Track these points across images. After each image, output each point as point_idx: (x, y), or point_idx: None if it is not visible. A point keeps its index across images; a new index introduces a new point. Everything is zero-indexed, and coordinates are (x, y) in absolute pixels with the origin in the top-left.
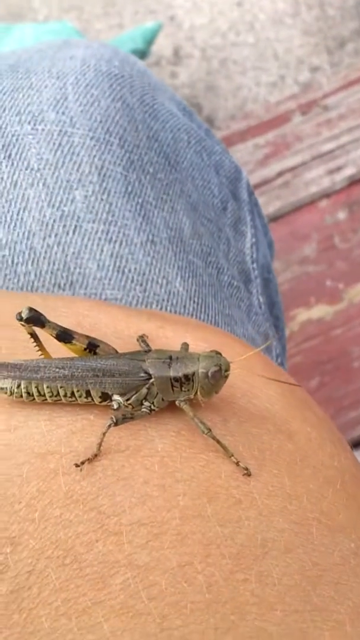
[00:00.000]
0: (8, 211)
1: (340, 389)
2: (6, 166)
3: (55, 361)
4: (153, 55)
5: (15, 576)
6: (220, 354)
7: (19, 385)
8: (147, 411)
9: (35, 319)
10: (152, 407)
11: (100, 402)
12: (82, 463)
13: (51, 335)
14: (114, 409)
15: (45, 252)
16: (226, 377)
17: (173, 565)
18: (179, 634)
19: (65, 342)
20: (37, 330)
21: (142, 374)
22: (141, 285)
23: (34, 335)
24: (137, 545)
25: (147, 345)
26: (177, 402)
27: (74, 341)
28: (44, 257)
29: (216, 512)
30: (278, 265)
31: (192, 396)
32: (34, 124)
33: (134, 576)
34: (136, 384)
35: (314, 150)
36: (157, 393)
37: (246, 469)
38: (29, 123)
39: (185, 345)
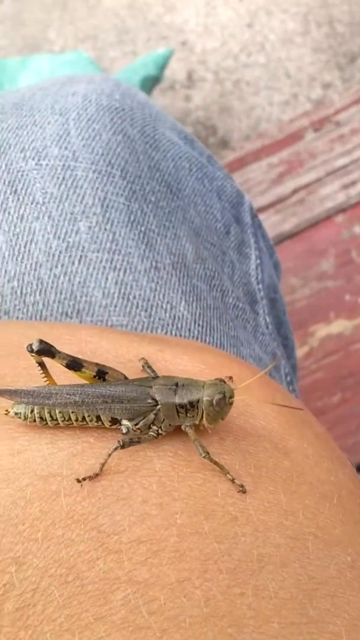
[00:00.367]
0: (16, 244)
1: None
2: (12, 201)
3: (66, 388)
4: (167, 79)
5: (20, 594)
6: (224, 381)
7: (32, 411)
8: (155, 435)
9: (45, 351)
10: (160, 431)
11: (110, 426)
12: (84, 479)
13: (61, 364)
14: (123, 433)
15: (53, 282)
16: (231, 404)
17: (172, 580)
18: None
19: (75, 371)
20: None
21: (150, 400)
22: (146, 310)
23: (42, 364)
24: (136, 562)
25: (153, 370)
26: (182, 427)
27: (83, 369)
28: (51, 287)
29: (213, 529)
30: (296, 282)
31: (197, 422)
32: (38, 160)
33: (134, 592)
34: (144, 410)
35: (328, 166)
36: (164, 419)
37: (241, 486)
38: (33, 159)
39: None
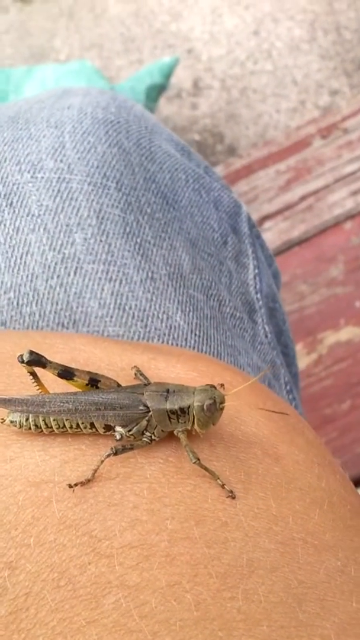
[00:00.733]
0: (12, 256)
1: None
2: (8, 213)
3: (59, 396)
4: (173, 87)
5: (13, 598)
6: (215, 387)
7: (27, 419)
8: (148, 441)
9: (36, 361)
10: (153, 437)
11: (105, 432)
12: (75, 485)
13: (53, 374)
14: (117, 440)
15: (49, 293)
16: (221, 409)
17: (162, 585)
18: None
19: (68, 379)
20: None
21: (142, 407)
22: (142, 321)
23: (33, 374)
24: (127, 567)
25: (146, 378)
26: (175, 432)
27: (75, 378)
28: (48, 298)
29: (203, 534)
30: (305, 289)
31: (189, 427)
32: (34, 173)
33: (126, 596)
34: (136, 417)
35: (336, 172)
36: (156, 425)
37: (231, 492)
38: (29, 172)
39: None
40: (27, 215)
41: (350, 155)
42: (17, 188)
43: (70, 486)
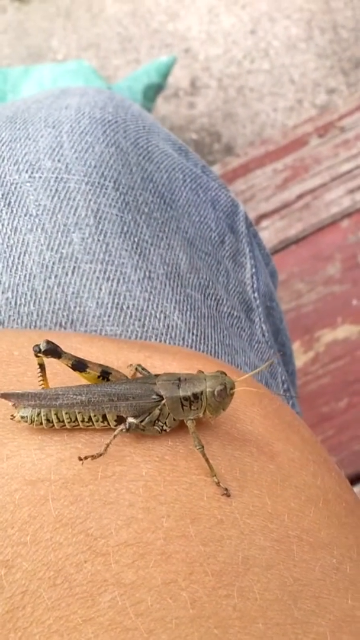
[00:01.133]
0: (9, 255)
1: None
2: (6, 213)
3: (72, 388)
4: (171, 87)
5: (10, 597)
6: (225, 373)
7: (38, 414)
8: (159, 430)
9: (52, 351)
10: (164, 427)
11: (116, 425)
12: (86, 458)
13: (67, 365)
14: (126, 430)
15: (46, 292)
16: (232, 395)
17: (158, 582)
18: None
19: (80, 371)
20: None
21: (154, 396)
22: (140, 320)
23: (42, 366)
24: (123, 565)
25: (148, 372)
26: (185, 420)
27: (88, 370)
28: (45, 298)
29: (199, 532)
30: (302, 287)
31: (201, 415)
32: (32, 172)
33: (122, 594)
34: (149, 406)
35: (333, 171)
36: (169, 413)
37: (226, 489)
38: (27, 172)
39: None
40: (25, 215)
41: (347, 153)
42: (15, 188)
43: (80, 459)
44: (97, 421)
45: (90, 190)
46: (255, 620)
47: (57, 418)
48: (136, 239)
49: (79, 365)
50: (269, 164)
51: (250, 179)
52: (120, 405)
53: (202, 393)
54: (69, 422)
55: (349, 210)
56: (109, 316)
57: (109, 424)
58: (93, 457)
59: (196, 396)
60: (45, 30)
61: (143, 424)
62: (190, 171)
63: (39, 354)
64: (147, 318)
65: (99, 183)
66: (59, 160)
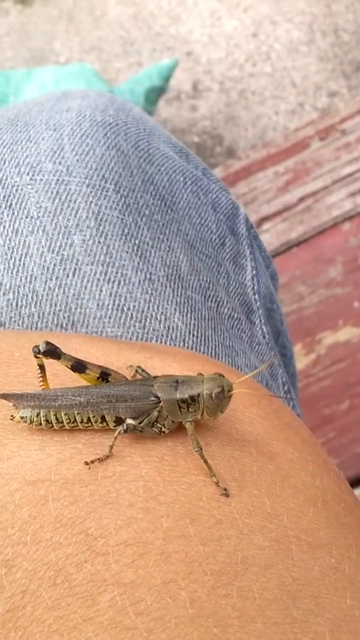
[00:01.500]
0: (11, 257)
1: None
2: (7, 215)
3: (71, 390)
4: (173, 90)
5: (10, 596)
6: (223, 376)
7: (38, 414)
8: (157, 432)
9: (51, 352)
10: (163, 428)
11: (115, 426)
12: (92, 462)
13: (66, 366)
14: (124, 431)
15: (47, 294)
16: (230, 397)
17: (158, 582)
18: None
19: (80, 373)
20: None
21: (152, 398)
22: (140, 322)
23: (42, 368)
24: (123, 565)
25: (148, 374)
26: (183, 422)
27: (87, 371)
28: (46, 299)
29: (198, 532)
30: (304, 289)
31: (199, 416)
32: (33, 175)
33: (121, 593)
34: (147, 408)
35: (334, 174)
36: (167, 415)
37: (225, 490)
38: (28, 174)
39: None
40: (26, 217)
41: (349, 156)
42: (16, 190)
43: (86, 463)
44: (96, 422)
45: (91, 192)
46: (254, 620)
47: (56, 419)
48: (137, 241)
49: (78, 367)
50: (270, 166)
51: (251, 182)
52: (118, 407)
53: (199, 395)
54: (68, 423)
55: (351, 213)
56: (110, 317)
57: (107, 425)
58: (100, 459)
59: (193, 398)
60: (47, 33)
61: (142, 425)
62: (190, 174)
63: (38, 355)
64: (148, 319)
65: (99, 185)
66: (60, 163)
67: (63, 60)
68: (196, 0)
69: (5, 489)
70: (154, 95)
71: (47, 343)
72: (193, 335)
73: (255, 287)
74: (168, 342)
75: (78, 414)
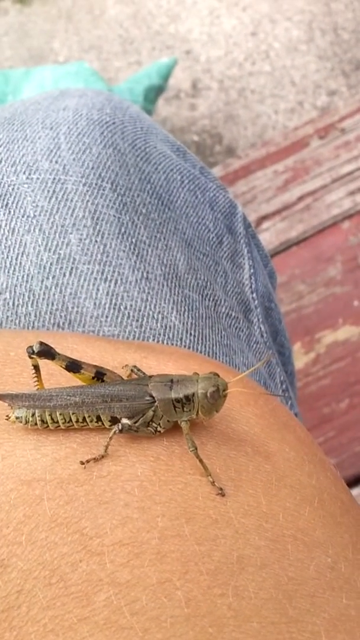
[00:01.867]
0: (7, 256)
1: None
2: (4, 214)
3: (66, 390)
4: (172, 88)
5: (5, 596)
6: (218, 375)
7: (33, 414)
8: (153, 431)
9: (46, 352)
10: (159, 428)
11: (110, 425)
12: (87, 462)
13: (61, 366)
14: (119, 431)
15: (44, 293)
16: (225, 396)
17: (153, 582)
18: None
19: (75, 373)
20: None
21: (147, 398)
22: (137, 321)
23: (37, 368)
24: (118, 564)
25: (144, 373)
26: (179, 422)
27: (82, 371)
28: (43, 299)
29: (194, 532)
30: (304, 288)
31: (194, 416)
32: (29, 174)
33: (117, 593)
34: (142, 407)
35: (334, 173)
36: (162, 415)
37: (221, 489)
38: (24, 173)
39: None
40: (23, 216)
41: (348, 155)
42: (13, 189)
43: (82, 463)
44: (91, 422)
45: (87, 191)
46: (250, 619)
47: (52, 419)
48: (134, 240)
49: (73, 367)
50: (269, 165)
51: (251, 181)
52: (114, 407)
53: (194, 395)
54: (63, 423)
55: (350, 212)
56: (107, 317)
57: (103, 424)
58: (95, 459)
59: (188, 398)
60: (46, 32)
61: (137, 425)
62: (188, 172)
63: (32, 356)
64: (145, 319)
65: (96, 184)
66: (56, 162)
67: (62, 60)
68: None
69: (0, 488)
70: (153, 94)
71: (41, 343)
72: (190, 334)
73: (253, 286)
74: (165, 341)
75: (73, 413)
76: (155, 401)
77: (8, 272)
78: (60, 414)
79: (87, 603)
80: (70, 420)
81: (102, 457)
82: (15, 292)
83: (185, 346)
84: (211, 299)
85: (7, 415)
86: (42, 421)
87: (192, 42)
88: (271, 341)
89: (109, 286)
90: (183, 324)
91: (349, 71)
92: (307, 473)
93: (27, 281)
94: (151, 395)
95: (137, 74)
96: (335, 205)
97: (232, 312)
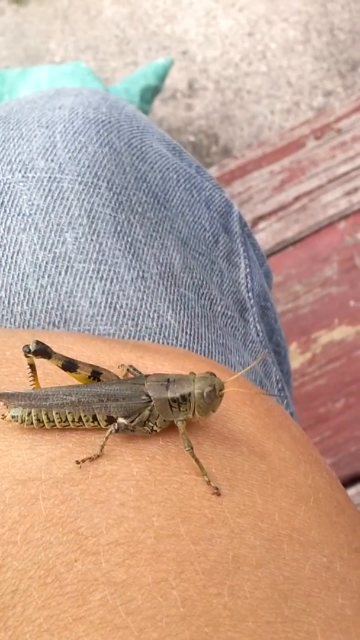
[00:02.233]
0: (3, 255)
1: None
2: None
3: (62, 389)
4: (168, 89)
5: (0, 596)
6: (214, 374)
7: (29, 414)
8: (149, 431)
9: (42, 351)
10: (155, 427)
11: (106, 425)
12: (83, 461)
13: (57, 365)
14: (115, 431)
15: (40, 292)
16: (221, 396)
17: (149, 581)
18: None
19: (71, 372)
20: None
21: (144, 397)
22: (133, 319)
23: (33, 367)
24: (114, 564)
25: (140, 373)
26: (175, 421)
27: (78, 370)
28: (39, 297)
29: (189, 531)
30: (300, 288)
31: (190, 415)
32: (25, 172)
33: (112, 592)
34: (138, 407)
35: (330, 173)
36: (158, 414)
37: (216, 488)
38: (20, 171)
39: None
40: (18, 215)
41: (344, 155)
42: (8, 187)
43: (77, 462)
44: (87, 421)
45: (83, 190)
46: (246, 619)
47: (48, 418)
48: (129, 239)
49: (69, 366)
50: (266, 166)
51: (247, 181)
52: (110, 406)
53: (190, 394)
54: (59, 422)
55: (346, 212)
56: (102, 315)
57: (99, 424)
58: (91, 459)
59: (184, 398)
60: (43, 32)
61: (133, 424)
62: (184, 171)
63: (28, 355)
64: (141, 317)
65: (92, 183)
66: (52, 160)
67: (58, 60)
68: None
69: None
70: (150, 94)
71: (38, 342)
72: (186, 333)
73: (249, 285)
74: (161, 340)
75: (69, 413)
76: (151, 401)
77: (3, 270)
78: (56, 413)
79: (83, 602)
80: (67, 419)
81: (98, 456)
82: (10, 290)
83: (181, 345)
84: (207, 298)
85: (2, 415)
86: (38, 420)
87: (189, 42)
88: (267, 340)
89: (105, 285)
90: (179, 322)
91: (345, 72)
92: (303, 473)
93: (22, 280)
94: (147, 395)
95: (133, 74)
96: (332, 206)
97: (228, 311)
